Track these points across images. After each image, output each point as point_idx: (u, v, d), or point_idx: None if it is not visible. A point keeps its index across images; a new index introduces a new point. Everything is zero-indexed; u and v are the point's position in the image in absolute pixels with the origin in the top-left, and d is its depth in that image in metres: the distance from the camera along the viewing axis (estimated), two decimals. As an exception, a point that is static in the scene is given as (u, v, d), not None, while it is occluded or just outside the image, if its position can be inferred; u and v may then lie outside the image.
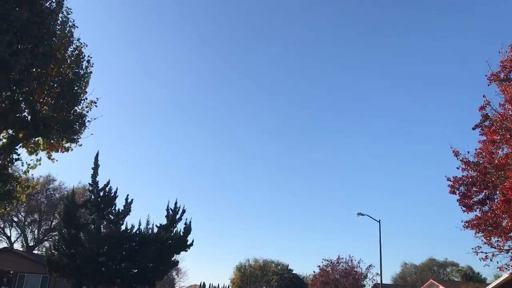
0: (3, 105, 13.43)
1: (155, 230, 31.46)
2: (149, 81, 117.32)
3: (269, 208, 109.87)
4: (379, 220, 38.35)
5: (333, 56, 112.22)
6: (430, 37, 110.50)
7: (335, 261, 46.14)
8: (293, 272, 74.36)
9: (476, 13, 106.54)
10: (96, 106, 16.61)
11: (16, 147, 14.84)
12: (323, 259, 47.89)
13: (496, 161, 17.90)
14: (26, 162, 15.47)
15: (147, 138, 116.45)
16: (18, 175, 15.55)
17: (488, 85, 18.77)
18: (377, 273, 41.84)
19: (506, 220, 17.15)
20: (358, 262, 45.32)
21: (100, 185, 30.32)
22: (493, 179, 18.51)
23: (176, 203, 33.13)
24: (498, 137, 17.83)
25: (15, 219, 55.78)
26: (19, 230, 57.16)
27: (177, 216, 32.77)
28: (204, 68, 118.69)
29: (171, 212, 32.72)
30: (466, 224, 18.76)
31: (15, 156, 14.74)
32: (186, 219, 33.51)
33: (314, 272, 50.86)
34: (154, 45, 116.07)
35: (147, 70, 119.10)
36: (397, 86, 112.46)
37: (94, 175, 30.20)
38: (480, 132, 19.14)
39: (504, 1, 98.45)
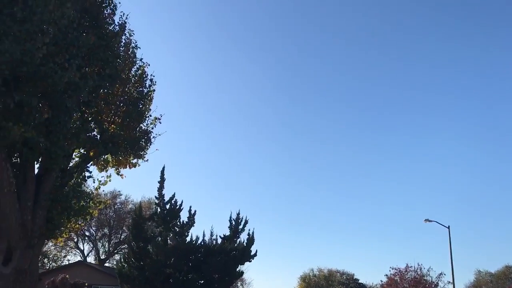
0: (74, 125, 14.19)
1: (219, 241, 31.91)
2: (212, 93, 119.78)
3: (331, 215, 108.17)
4: (448, 226, 36.79)
5: (397, 57, 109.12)
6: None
7: (403, 269, 44.47)
8: (359, 281, 72.61)
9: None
10: (160, 123, 17.21)
11: (88, 165, 15.67)
12: (390, 267, 46.15)
13: None
14: (97, 179, 16.28)
15: (210, 149, 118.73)
16: (90, 192, 16.37)
17: None
18: (449, 282, 39.89)
19: None
20: (428, 270, 43.47)
21: (166, 198, 31.24)
22: None
23: (238, 214, 33.44)
24: None
25: (87, 233, 58.60)
26: (91, 244, 59.97)
27: (240, 227, 33.07)
28: (270, 80, 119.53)
29: (234, 223, 33.07)
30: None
31: (87, 174, 15.65)
32: (249, 230, 33.70)
33: (381, 281, 49.30)
34: (217, 57, 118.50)
35: (210, 82, 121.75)
36: (463, 89, 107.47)
37: (160, 188, 31.15)
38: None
39: None
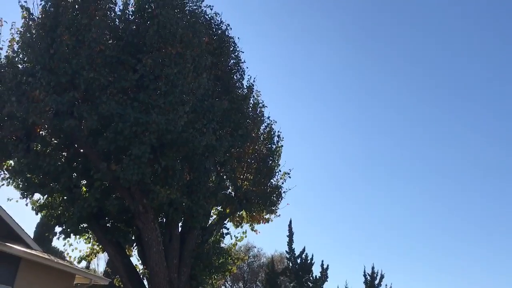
0: (211, 185, 15.10)
1: (355, 296, 30.58)
2: (341, 141, 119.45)
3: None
4: None
5: None
6: None
7: None
8: None
9: None
10: (290, 177, 17.52)
11: (225, 222, 16.42)
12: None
13: None
14: (234, 235, 16.90)
15: (340, 199, 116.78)
16: (228, 248, 17.01)
17: None
18: None
19: None
20: None
21: (296, 252, 31.21)
22: None
23: (373, 268, 32.03)
24: None
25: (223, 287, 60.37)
26: (227, 298, 61.49)
27: (376, 282, 31.54)
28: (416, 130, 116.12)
29: (369, 277, 31.69)
30: None
31: (224, 231, 16.38)
32: (386, 285, 31.99)
33: None
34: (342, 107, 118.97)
35: (335, 131, 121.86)
36: None
37: (290, 242, 31.33)
38: None
39: None
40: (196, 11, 14.77)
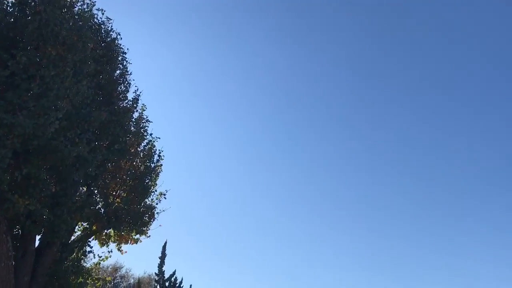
0: (78, 199, 14.16)
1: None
2: (213, 170, 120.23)
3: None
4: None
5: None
6: None
7: None
8: None
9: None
10: (165, 198, 17.14)
11: (89, 240, 15.42)
12: None
13: None
14: (98, 255, 15.93)
15: (212, 225, 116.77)
16: (90, 268, 15.96)
17: None
18: None
19: None
20: None
21: (166, 275, 30.36)
22: None
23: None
24: None
25: (83, 308, 56.44)
26: (85, 320, 57.55)
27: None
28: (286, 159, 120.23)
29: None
30: None
31: (88, 249, 15.33)
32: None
33: None
34: (221, 130, 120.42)
35: (216, 158, 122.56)
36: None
37: (161, 264, 30.38)
38: None
39: None
40: (86, 14, 13.97)
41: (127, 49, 16.08)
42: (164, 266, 30.25)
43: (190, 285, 30.64)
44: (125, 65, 16.12)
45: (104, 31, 15.54)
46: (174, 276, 30.34)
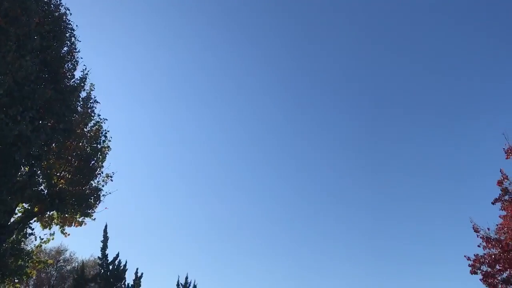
0: (20, 179, 13.59)
1: (166, 306, 30.55)
2: (162, 154, 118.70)
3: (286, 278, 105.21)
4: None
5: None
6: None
7: None
8: None
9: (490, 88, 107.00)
10: (112, 180, 16.74)
11: (31, 222, 14.86)
12: None
13: (519, 238, 17.30)
14: (39, 237, 15.41)
15: (159, 209, 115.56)
16: (30, 250, 15.41)
17: (507, 158, 18.52)
18: None
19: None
20: None
21: (110, 258, 29.90)
22: (517, 256, 17.82)
23: (186, 278, 32.38)
24: (520, 213, 17.38)
25: (23, 292, 54.60)
26: (26, 304, 55.69)
27: (188, 292, 31.94)
28: (225, 139, 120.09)
29: (181, 287, 31.91)
30: (494, 306, 17.81)
31: (29, 231, 14.77)
32: (198, 295, 32.62)
33: None
34: (168, 118, 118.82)
35: (161, 143, 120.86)
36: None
37: (104, 248, 29.89)
38: (500, 206, 18.70)
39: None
40: (32, -14, 13.27)
41: (76, 25, 15.45)
42: (108, 249, 29.78)
43: (137, 269, 30.37)
44: (74, 42, 15.45)
45: (52, 5, 14.81)
46: (118, 259, 29.94)
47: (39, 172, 14.75)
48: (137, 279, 30.16)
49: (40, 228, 15.86)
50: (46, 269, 51.98)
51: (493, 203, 19.03)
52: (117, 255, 30.00)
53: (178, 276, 32.30)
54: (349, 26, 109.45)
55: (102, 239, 29.61)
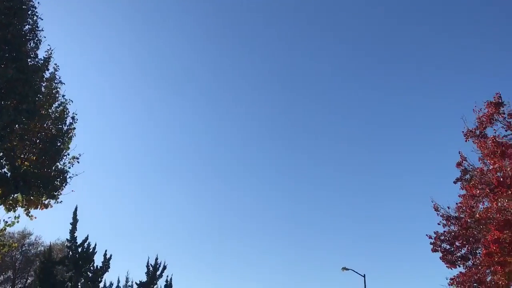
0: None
1: (135, 287, 30.64)
2: (132, 139, 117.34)
3: (255, 260, 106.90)
4: (364, 274, 37.73)
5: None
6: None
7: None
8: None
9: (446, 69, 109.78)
10: (78, 162, 16.46)
11: (-6, 204, 14.53)
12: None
13: (477, 215, 18.09)
14: (4, 220, 15.10)
15: (128, 193, 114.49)
16: (-6, 234, 15.12)
17: (466, 141, 19.20)
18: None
19: (490, 276, 17.12)
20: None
21: (79, 241, 29.66)
22: (475, 233, 18.66)
23: (156, 259, 32.43)
24: (478, 192, 18.13)
25: (-13, 276, 53.51)
26: (-9, 288, 54.65)
27: (158, 273, 32.04)
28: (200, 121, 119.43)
29: (151, 268, 31.98)
30: (451, 281, 18.66)
31: (-8, 214, 14.47)
32: (167, 276, 32.77)
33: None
34: (141, 104, 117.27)
35: (130, 128, 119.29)
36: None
37: (72, 230, 29.64)
38: (460, 186, 19.45)
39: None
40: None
41: (38, 2, 14.94)
42: (77, 232, 29.53)
43: (106, 250, 30.21)
44: (36, 20, 14.96)
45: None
46: (87, 241, 29.73)
47: (1, 154, 14.38)
48: (106, 261, 30.05)
49: (4, 211, 15.52)
50: (11, 253, 51.00)
51: (454, 183, 19.81)
52: (87, 238, 29.80)
53: (148, 257, 32.36)
54: (348, 26, 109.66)
55: (72, 221, 29.32)
